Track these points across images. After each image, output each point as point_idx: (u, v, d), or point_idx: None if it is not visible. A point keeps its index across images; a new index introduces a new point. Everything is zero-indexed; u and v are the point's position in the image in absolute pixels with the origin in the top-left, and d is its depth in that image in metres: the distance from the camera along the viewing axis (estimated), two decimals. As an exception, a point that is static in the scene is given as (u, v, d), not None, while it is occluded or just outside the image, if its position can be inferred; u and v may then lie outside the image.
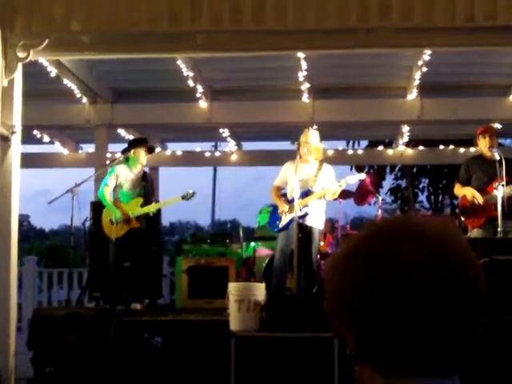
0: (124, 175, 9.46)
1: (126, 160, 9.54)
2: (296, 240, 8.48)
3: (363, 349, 1.41)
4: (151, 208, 9.34)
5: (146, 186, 9.42)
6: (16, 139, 8.02)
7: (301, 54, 10.45)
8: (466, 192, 8.99)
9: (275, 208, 9.21)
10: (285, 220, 8.87)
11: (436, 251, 1.37)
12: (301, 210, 8.70)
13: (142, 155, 9.46)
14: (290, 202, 8.90)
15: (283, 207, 8.92)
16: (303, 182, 8.82)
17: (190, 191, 9.45)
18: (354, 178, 9.15)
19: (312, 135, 9.00)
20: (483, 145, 9.00)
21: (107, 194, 9.44)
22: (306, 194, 8.77)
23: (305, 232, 8.72)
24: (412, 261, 1.35)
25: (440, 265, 1.35)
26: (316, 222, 8.81)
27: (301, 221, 8.68)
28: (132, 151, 9.49)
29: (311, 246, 8.73)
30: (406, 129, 14.24)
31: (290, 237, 8.81)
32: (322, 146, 9.21)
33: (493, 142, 8.96)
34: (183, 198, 9.46)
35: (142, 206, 9.31)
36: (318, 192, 8.80)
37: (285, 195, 9.21)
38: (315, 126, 10.07)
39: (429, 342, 1.35)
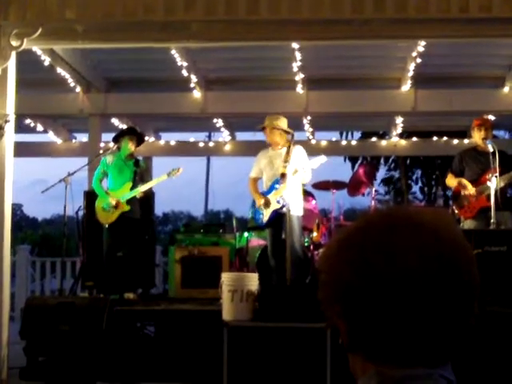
0: (114, 164, 9.50)
1: (118, 149, 9.59)
2: (289, 233, 8.42)
3: (355, 338, 1.42)
4: (140, 189, 9.34)
5: (137, 172, 9.44)
6: (9, 128, 8.02)
7: (295, 45, 10.45)
8: (458, 183, 9.02)
9: (254, 202, 9.21)
10: (266, 215, 8.84)
11: (429, 242, 1.37)
12: (278, 202, 8.66)
13: (127, 144, 9.48)
14: (265, 194, 8.91)
15: (259, 202, 8.90)
16: (274, 171, 8.80)
17: (176, 168, 9.48)
18: (315, 162, 8.93)
19: (269, 118, 8.92)
20: (478, 137, 9.01)
21: (100, 183, 9.52)
22: (276, 183, 8.73)
23: (283, 221, 8.62)
24: (404, 251, 1.36)
25: (433, 255, 1.36)
26: (292, 209, 8.69)
27: (280, 211, 8.63)
28: (119, 141, 9.56)
29: (291, 236, 8.60)
30: (399, 120, 14.23)
31: (274, 236, 8.85)
32: (280, 129, 8.90)
33: (488, 134, 8.98)
34: (169, 175, 9.48)
35: (131, 189, 9.35)
36: (290, 175, 8.63)
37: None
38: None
39: (420, 332, 1.35)
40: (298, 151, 8.86)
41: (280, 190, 8.63)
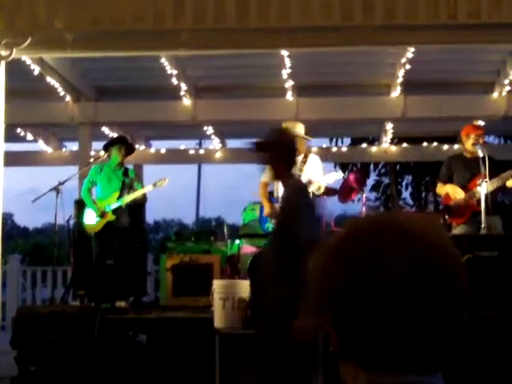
0: (104, 173, 9.51)
1: (109, 158, 9.60)
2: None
3: (346, 346, 1.42)
4: (126, 199, 9.34)
5: (126, 181, 9.45)
6: (-1, 137, 8.00)
7: (285, 52, 10.46)
8: (448, 189, 9.02)
9: (263, 208, 9.16)
10: (273, 223, 8.78)
11: (419, 249, 1.37)
12: None
13: (116, 154, 9.49)
14: (275, 201, 8.88)
15: (267, 210, 8.86)
16: None
17: (162, 178, 9.52)
18: (330, 177, 9.00)
19: (287, 125, 8.89)
20: (468, 143, 8.99)
21: (88, 192, 9.54)
22: None
23: None
24: (393, 258, 1.36)
25: (422, 262, 1.36)
26: None
27: None
28: (109, 150, 9.57)
29: None
30: (389, 126, 14.25)
31: None
32: (304, 137, 8.99)
33: (478, 140, 8.97)
34: (154, 185, 9.54)
35: (118, 199, 9.37)
36: None
37: (272, 193, 9.11)
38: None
39: (411, 339, 1.35)
40: (314, 161, 8.87)
41: None
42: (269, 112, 12.53)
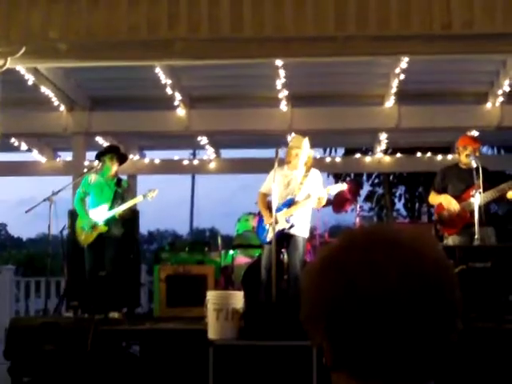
0: (96, 183, 9.49)
1: (102, 168, 9.59)
2: (274, 251, 8.39)
3: (339, 357, 1.41)
4: (117, 211, 9.32)
5: (118, 191, 9.42)
6: (-7, 147, 8.00)
7: (279, 62, 10.48)
8: (442, 199, 9.00)
9: (262, 218, 9.12)
10: (271, 233, 8.74)
11: (411, 260, 1.37)
12: (287, 221, 8.63)
13: (108, 163, 9.48)
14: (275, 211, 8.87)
15: (268, 220, 8.82)
16: (288, 191, 8.77)
17: (152, 189, 9.53)
18: (335, 188, 9.07)
19: (306, 143, 8.91)
20: (464, 154, 8.97)
21: (81, 202, 9.51)
22: (289, 203, 8.70)
23: (288, 241, 8.67)
24: (386, 270, 1.35)
25: (414, 273, 1.36)
26: (299, 230, 8.69)
27: (285, 231, 8.63)
28: (101, 160, 9.55)
29: (294, 255, 8.64)
30: (383, 136, 14.25)
31: (273, 253, 8.77)
32: (314, 154, 9.10)
33: (475, 152, 8.96)
34: (144, 196, 9.53)
35: (109, 210, 9.34)
36: (303, 200, 8.71)
37: (271, 203, 9.10)
38: (293, 134, 10.04)
39: (403, 349, 1.35)
40: (315, 176, 8.88)
41: (290, 211, 8.63)
42: (263, 122, 12.56)
